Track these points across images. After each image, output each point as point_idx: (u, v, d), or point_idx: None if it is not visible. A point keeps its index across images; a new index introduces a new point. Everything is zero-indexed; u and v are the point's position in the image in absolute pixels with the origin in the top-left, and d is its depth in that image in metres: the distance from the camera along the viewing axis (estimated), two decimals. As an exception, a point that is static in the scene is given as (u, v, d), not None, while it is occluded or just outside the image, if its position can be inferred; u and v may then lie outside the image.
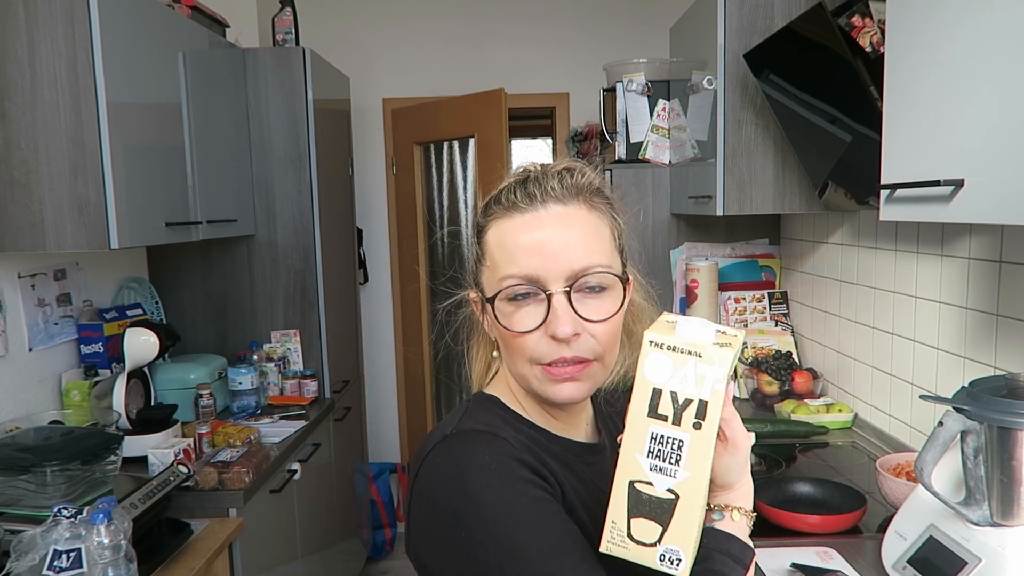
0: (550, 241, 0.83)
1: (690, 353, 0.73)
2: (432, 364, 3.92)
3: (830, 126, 1.78)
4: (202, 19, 2.54)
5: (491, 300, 0.85)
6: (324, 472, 2.86)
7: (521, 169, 0.90)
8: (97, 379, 2.28)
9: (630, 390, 0.75)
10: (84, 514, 1.42)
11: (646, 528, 0.74)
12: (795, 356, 2.62)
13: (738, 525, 0.80)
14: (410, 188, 3.90)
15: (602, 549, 0.76)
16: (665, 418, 0.73)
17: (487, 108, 3.45)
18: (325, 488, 2.88)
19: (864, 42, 1.53)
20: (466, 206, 3.85)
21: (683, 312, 2.73)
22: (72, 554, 1.38)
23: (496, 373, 0.95)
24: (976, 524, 1.14)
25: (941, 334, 1.80)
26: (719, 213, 2.15)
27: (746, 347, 2.62)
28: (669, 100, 2.64)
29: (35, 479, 1.61)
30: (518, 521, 0.76)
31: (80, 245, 1.88)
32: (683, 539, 0.73)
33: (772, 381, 2.48)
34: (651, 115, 2.66)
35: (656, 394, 0.73)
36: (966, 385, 1.16)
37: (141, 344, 2.16)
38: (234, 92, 2.67)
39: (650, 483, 0.74)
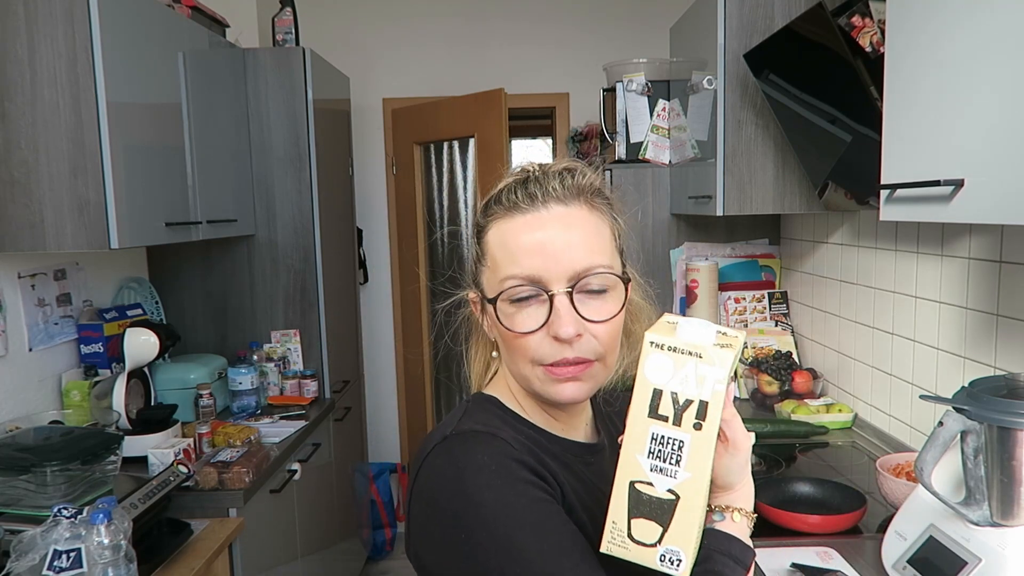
0: (552, 241, 0.82)
1: (691, 354, 0.73)
2: (432, 364, 3.92)
3: (830, 126, 1.78)
4: (202, 19, 2.54)
5: (492, 301, 0.85)
6: (324, 472, 2.86)
7: (520, 169, 0.90)
8: (97, 379, 2.28)
9: (629, 390, 0.75)
10: (84, 514, 1.42)
11: (646, 528, 0.74)
12: (795, 356, 2.62)
13: (739, 526, 0.80)
14: (410, 188, 3.90)
15: (602, 549, 0.76)
16: (666, 419, 0.73)
17: (487, 108, 3.45)
18: (325, 488, 2.88)
19: (864, 42, 1.53)
20: (466, 206, 3.85)
21: (683, 312, 2.73)
22: (72, 554, 1.38)
23: (495, 373, 0.95)
24: (976, 524, 1.14)
25: (941, 334, 1.81)
26: (719, 213, 2.15)
27: (746, 347, 2.62)
28: (669, 100, 2.64)
29: (35, 479, 1.61)
30: (518, 522, 0.76)
31: (80, 245, 1.88)
32: (683, 540, 0.73)
33: (772, 381, 2.48)
34: (651, 115, 2.66)
35: (657, 395, 0.73)
36: (966, 385, 1.16)
37: (141, 344, 2.16)
38: (234, 92, 2.67)
39: (651, 484, 0.74)
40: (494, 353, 0.94)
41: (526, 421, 0.89)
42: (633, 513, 0.74)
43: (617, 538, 0.75)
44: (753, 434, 0.81)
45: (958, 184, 1.08)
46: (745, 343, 0.70)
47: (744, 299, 2.77)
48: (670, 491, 0.73)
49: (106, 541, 1.40)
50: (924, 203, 1.19)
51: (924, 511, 1.27)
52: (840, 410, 2.23)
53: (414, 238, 3.91)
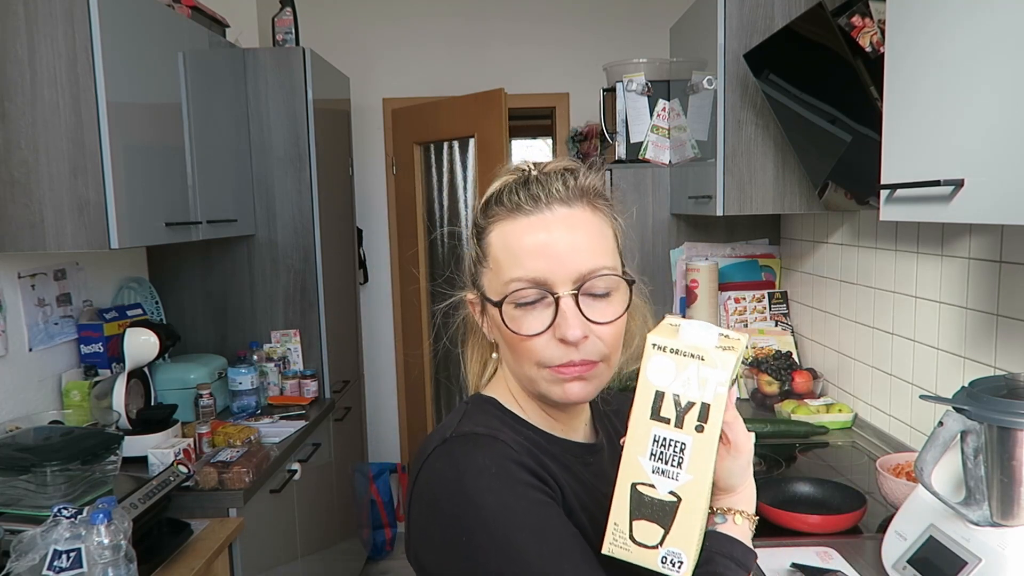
0: (556, 243, 0.82)
1: (693, 356, 0.73)
2: (432, 364, 3.92)
3: (830, 126, 1.78)
4: (202, 19, 2.54)
5: (498, 304, 0.84)
6: (324, 472, 2.86)
7: (515, 168, 0.89)
8: (97, 379, 2.28)
9: (625, 389, 0.75)
10: (84, 514, 1.42)
11: (648, 530, 0.74)
12: (795, 356, 2.62)
13: (740, 528, 0.80)
14: (410, 188, 3.90)
15: (604, 551, 0.76)
16: (668, 421, 0.73)
17: (487, 108, 3.45)
18: (325, 488, 2.88)
19: (864, 42, 1.53)
20: (466, 206, 3.85)
21: (683, 312, 2.74)
22: (72, 554, 1.38)
23: (494, 374, 0.94)
24: (976, 524, 1.14)
25: (941, 334, 1.81)
26: (719, 213, 2.15)
27: (748, 348, 2.61)
28: (669, 100, 2.64)
29: (35, 479, 1.61)
30: (518, 524, 0.76)
31: (80, 245, 1.88)
32: (685, 542, 0.73)
33: (772, 381, 2.48)
34: (651, 115, 2.66)
35: (659, 397, 0.73)
36: (966, 385, 1.16)
37: (141, 344, 2.16)
38: (234, 92, 2.67)
39: (652, 485, 0.74)
40: (493, 354, 0.94)
41: (525, 422, 0.89)
42: (635, 515, 0.74)
43: (619, 540, 0.75)
44: (753, 434, 0.81)
45: (958, 184, 1.08)
46: (747, 346, 0.70)
47: (744, 299, 2.77)
48: (672, 493, 0.73)
49: (106, 541, 1.40)
50: (924, 203, 1.19)
51: (924, 511, 1.27)
52: (840, 410, 2.23)
53: (414, 238, 3.92)
